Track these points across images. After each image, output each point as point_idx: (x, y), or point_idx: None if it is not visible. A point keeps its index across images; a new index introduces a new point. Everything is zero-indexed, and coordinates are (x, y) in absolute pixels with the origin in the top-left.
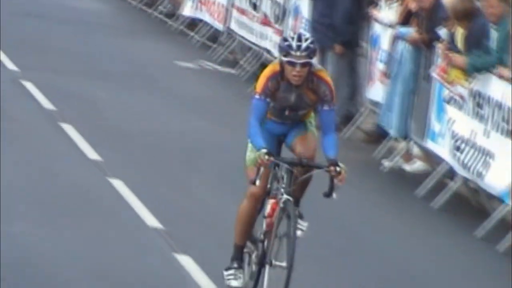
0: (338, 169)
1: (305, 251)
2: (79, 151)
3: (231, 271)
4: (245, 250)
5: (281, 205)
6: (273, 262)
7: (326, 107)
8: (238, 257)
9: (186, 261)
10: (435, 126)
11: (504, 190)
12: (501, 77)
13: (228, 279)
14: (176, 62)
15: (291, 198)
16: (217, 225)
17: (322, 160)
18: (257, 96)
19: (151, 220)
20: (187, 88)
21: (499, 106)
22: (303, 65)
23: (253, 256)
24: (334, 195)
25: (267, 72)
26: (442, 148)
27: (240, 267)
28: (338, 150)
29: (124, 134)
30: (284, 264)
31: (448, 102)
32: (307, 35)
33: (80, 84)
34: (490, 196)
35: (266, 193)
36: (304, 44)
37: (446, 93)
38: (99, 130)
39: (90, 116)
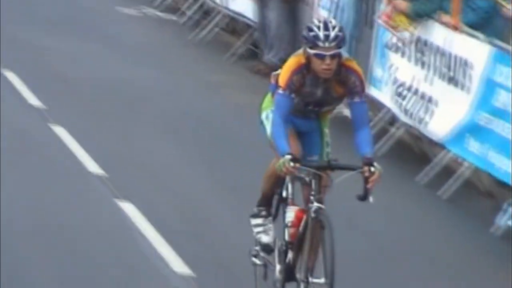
0: (372, 169)
1: None
2: (20, 97)
3: (259, 220)
4: (258, 262)
5: (313, 214)
6: (310, 279)
7: (357, 99)
8: (266, 203)
9: (128, 207)
10: (378, 72)
11: (446, 136)
12: (443, 23)
13: (258, 232)
14: (118, 8)
15: (323, 206)
16: (159, 172)
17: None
18: (280, 91)
19: (93, 167)
20: (129, 35)
21: (442, 52)
22: (333, 56)
23: (275, 270)
24: (370, 198)
25: (291, 65)
26: (384, 95)
27: (269, 214)
28: (373, 147)
29: (66, 81)
30: (322, 280)
31: (391, 48)
32: (334, 21)
33: (22, 31)
34: (433, 143)
35: (279, 195)
36: (332, 33)
37: (389, 39)
38: (41, 77)
39: (32, 63)
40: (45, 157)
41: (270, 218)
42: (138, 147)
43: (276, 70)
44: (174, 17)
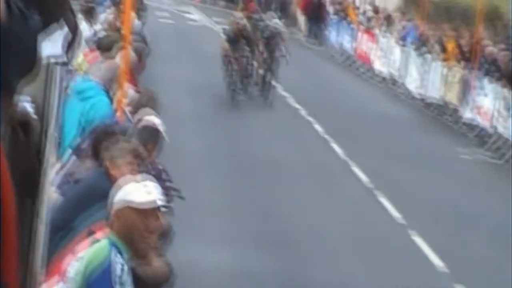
0: None
1: None
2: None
3: None
4: None
5: None
6: None
7: None
8: None
9: None
10: None
11: None
12: None
13: None
14: (459, 153)
15: None
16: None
17: None
18: None
19: (438, 262)
20: (464, 171)
21: None
22: None
23: None
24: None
25: None
26: None
27: None
28: None
29: (421, 202)
30: None
31: None
32: None
33: (394, 167)
34: None
35: None
36: None
37: None
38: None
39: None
40: (402, 257)
41: None
42: (476, 252)
43: None
44: (499, 161)
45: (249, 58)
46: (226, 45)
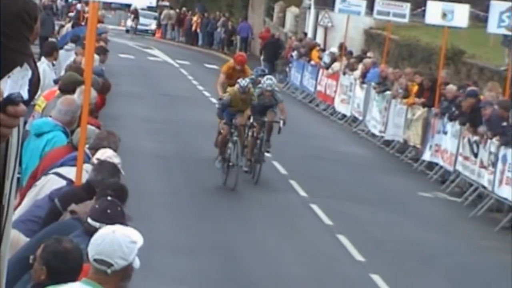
0: None
1: None
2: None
3: None
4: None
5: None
6: None
7: None
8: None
9: None
10: None
11: None
12: None
13: None
14: (418, 192)
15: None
16: None
17: None
18: None
19: None
20: (424, 210)
21: None
22: None
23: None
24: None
25: None
26: None
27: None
28: None
29: (381, 243)
30: None
31: None
32: None
33: (354, 206)
34: None
35: None
36: None
37: None
38: (365, 240)
39: (358, 230)
40: None
41: None
42: None
43: None
44: (458, 200)
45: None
46: (226, 128)
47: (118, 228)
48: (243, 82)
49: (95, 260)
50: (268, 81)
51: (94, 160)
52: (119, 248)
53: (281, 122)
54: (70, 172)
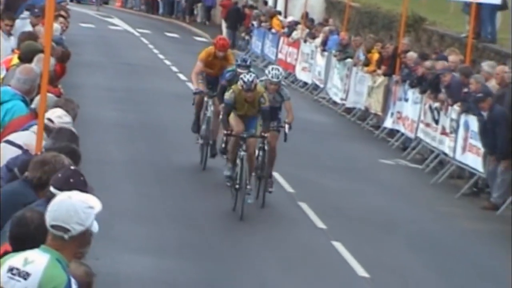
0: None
1: None
2: (310, 222)
3: None
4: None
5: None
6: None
7: None
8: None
9: None
10: None
11: None
12: None
13: None
14: (380, 160)
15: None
16: (408, 277)
17: None
18: None
19: (361, 271)
20: (386, 177)
21: None
22: None
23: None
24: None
25: None
26: None
27: None
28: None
29: (340, 209)
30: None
31: None
32: None
33: (316, 174)
34: None
35: None
36: None
37: None
38: (326, 208)
39: (320, 199)
40: (323, 265)
41: None
42: (396, 258)
43: None
44: (419, 167)
45: None
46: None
47: (74, 194)
48: (247, 76)
49: (52, 226)
50: (274, 71)
51: (45, 121)
52: (75, 214)
53: (286, 126)
54: (18, 137)
